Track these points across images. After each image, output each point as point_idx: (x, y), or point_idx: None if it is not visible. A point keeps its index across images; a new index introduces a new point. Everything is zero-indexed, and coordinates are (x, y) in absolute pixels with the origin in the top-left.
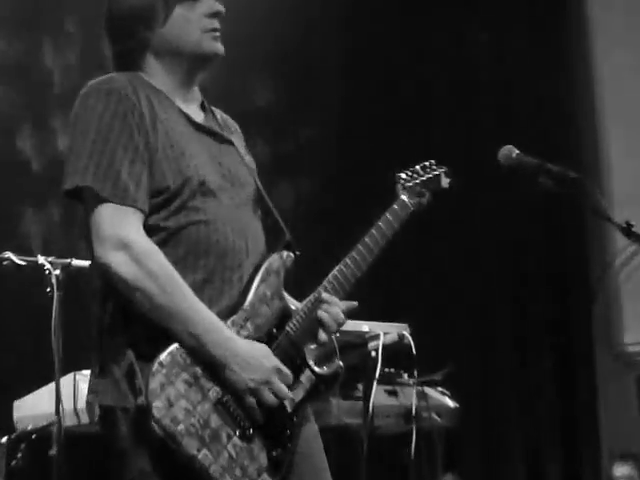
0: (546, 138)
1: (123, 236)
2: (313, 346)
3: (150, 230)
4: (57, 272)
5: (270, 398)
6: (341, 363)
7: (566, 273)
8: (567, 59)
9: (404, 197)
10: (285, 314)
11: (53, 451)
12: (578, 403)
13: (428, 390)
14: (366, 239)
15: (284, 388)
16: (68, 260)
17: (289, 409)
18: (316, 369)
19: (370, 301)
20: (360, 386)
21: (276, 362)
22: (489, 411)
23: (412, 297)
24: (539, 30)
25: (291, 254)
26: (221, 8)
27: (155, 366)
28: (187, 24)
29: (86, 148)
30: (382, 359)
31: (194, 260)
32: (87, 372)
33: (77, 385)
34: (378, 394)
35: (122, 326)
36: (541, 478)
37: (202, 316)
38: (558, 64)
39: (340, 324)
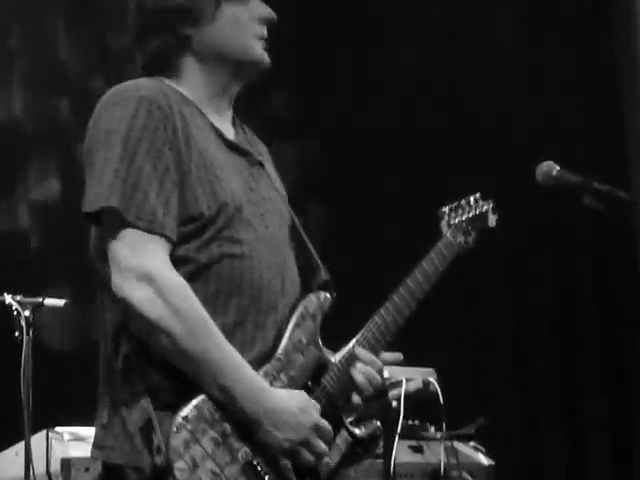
0: (593, 154)
1: (148, 268)
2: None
3: (178, 262)
4: (27, 313)
5: (308, 459)
6: (379, 424)
7: (615, 306)
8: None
9: (450, 235)
10: (321, 365)
11: None
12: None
13: (458, 445)
14: (409, 282)
15: (323, 447)
16: (39, 299)
17: (324, 477)
18: (354, 431)
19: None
20: (380, 441)
21: (315, 417)
22: (529, 470)
23: (439, 338)
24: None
25: (328, 296)
26: (274, 15)
27: (178, 420)
28: (237, 26)
29: (111, 165)
30: (405, 410)
31: (226, 299)
32: (62, 429)
33: (50, 445)
34: (401, 450)
35: (138, 370)
36: None
37: (234, 365)
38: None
39: (376, 387)
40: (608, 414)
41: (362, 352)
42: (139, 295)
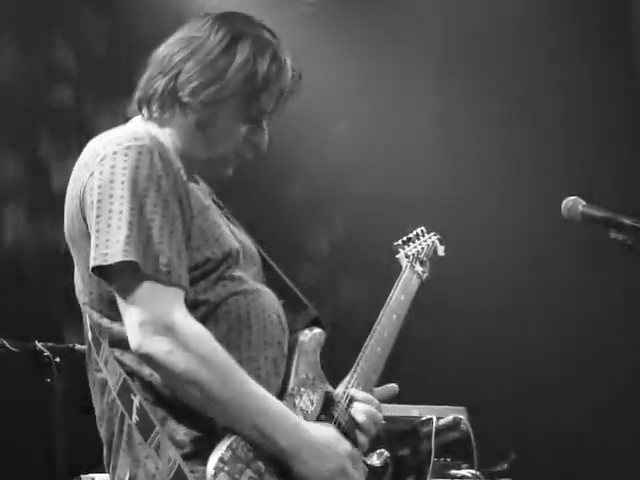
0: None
1: (168, 319)
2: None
3: (189, 307)
4: (57, 359)
5: None
6: (387, 453)
7: None
8: None
9: (410, 267)
10: (328, 398)
11: None
12: None
13: None
14: (388, 313)
15: (358, 475)
16: (70, 345)
17: None
18: (369, 462)
19: (420, 381)
20: (390, 470)
21: (348, 446)
22: None
23: (469, 376)
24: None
25: (322, 331)
26: (266, 147)
27: (215, 463)
28: (230, 138)
29: (123, 217)
30: (436, 448)
31: (237, 336)
32: (95, 476)
33: None
34: None
35: (159, 422)
36: None
37: (265, 404)
38: None
39: (378, 424)
40: None
41: (358, 393)
42: (162, 348)
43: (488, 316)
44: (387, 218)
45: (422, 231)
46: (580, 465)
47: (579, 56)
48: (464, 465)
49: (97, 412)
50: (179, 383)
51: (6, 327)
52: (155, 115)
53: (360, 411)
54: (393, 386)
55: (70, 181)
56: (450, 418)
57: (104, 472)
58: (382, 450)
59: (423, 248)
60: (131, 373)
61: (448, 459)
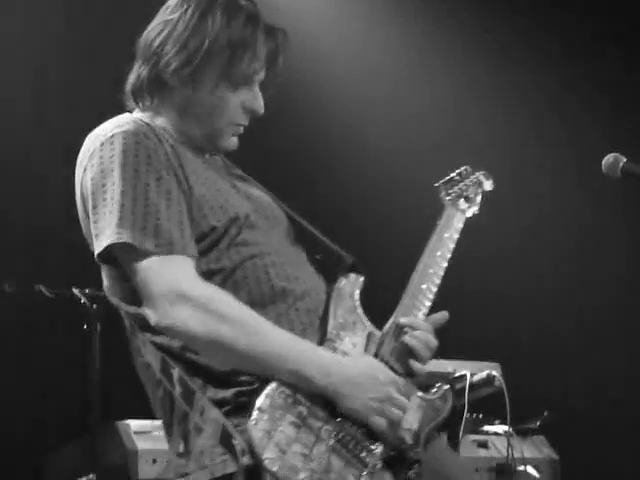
0: None
1: (179, 288)
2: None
3: (203, 276)
4: (95, 306)
5: (396, 414)
6: (447, 386)
7: None
8: None
9: (454, 204)
10: (372, 340)
11: None
12: None
13: (524, 440)
14: (430, 250)
15: (405, 400)
16: None
17: (410, 440)
18: (424, 395)
19: (455, 336)
20: (444, 436)
21: (390, 373)
22: (597, 465)
23: (504, 331)
24: None
25: (359, 275)
26: (262, 111)
27: (255, 414)
28: (221, 109)
29: (113, 201)
30: (469, 404)
31: (260, 298)
32: (129, 422)
33: (119, 438)
34: (465, 445)
35: (199, 388)
36: None
37: (296, 347)
38: None
39: (432, 348)
40: None
41: (407, 319)
42: (181, 316)
43: (526, 269)
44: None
45: (466, 170)
46: (613, 424)
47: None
48: (497, 421)
49: (150, 397)
50: (204, 346)
51: (44, 274)
52: (147, 104)
53: (411, 337)
54: (443, 313)
55: (74, 185)
56: (484, 374)
57: (138, 418)
58: (441, 384)
59: (467, 185)
60: (166, 349)
61: (481, 415)
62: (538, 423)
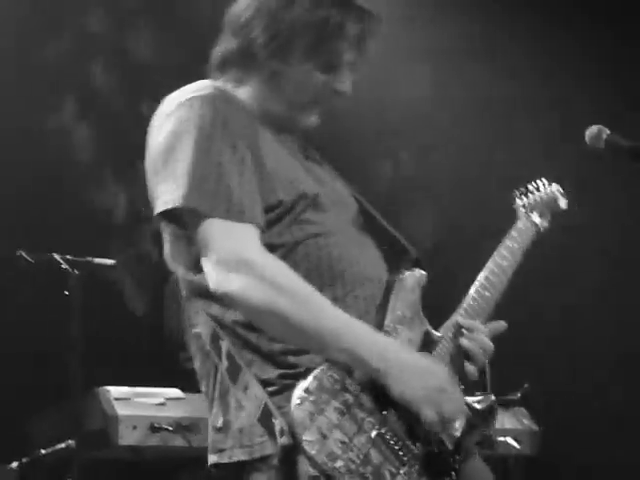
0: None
1: (243, 254)
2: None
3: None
4: (76, 272)
5: (450, 408)
6: (493, 397)
7: None
8: None
9: (527, 216)
10: (427, 339)
11: (70, 478)
12: None
13: (505, 411)
14: (497, 259)
15: (460, 396)
16: (88, 258)
17: (450, 446)
18: (472, 403)
19: (436, 308)
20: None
21: (446, 370)
22: (577, 436)
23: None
24: None
25: (423, 272)
26: (349, 92)
27: (300, 393)
28: (307, 87)
29: (186, 163)
30: None
31: (319, 279)
32: (111, 388)
33: (99, 404)
34: None
35: (245, 364)
36: None
37: (352, 327)
38: None
39: (489, 353)
40: None
41: (467, 321)
42: (240, 283)
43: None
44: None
45: (543, 183)
46: (592, 397)
47: None
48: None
49: (197, 368)
50: (260, 316)
51: (26, 239)
52: (232, 75)
53: (469, 339)
54: (501, 323)
55: (147, 144)
56: None
57: (119, 385)
58: (488, 394)
59: (542, 198)
60: (219, 321)
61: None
62: (519, 395)
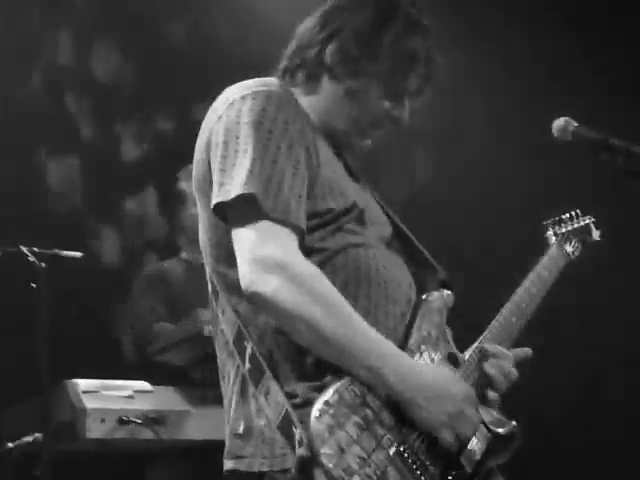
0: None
1: (279, 257)
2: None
3: (304, 253)
4: (43, 265)
5: (468, 430)
6: (515, 423)
7: None
8: None
9: (559, 245)
10: (452, 360)
11: (37, 472)
12: None
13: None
14: (527, 286)
15: (478, 416)
16: (56, 250)
17: (469, 469)
18: (493, 428)
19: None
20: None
21: (466, 387)
22: (551, 429)
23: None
24: None
25: (450, 293)
26: (406, 121)
27: (320, 405)
28: (373, 109)
29: (247, 157)
30: None
31: (355, 288)
32: (79, 381)
33: (67, 397)
34: None
35: (269, 369)
36: None
37: (379, 344)
38: None
39: (512, 380)
40: None
41: (492, 347)
42: (273, 285)
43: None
44: None
45: (576, 213)
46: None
47: None
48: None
49: (219, 365)
50: (289, 320)
51: None
52: (299, 83)
53: (492, 365)
54: (526, 350)
55: (201, 130)
56: None
57: (87, 377)
58: (508, 420)
59: (575, 228)
60: (246, 321)
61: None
62: None
